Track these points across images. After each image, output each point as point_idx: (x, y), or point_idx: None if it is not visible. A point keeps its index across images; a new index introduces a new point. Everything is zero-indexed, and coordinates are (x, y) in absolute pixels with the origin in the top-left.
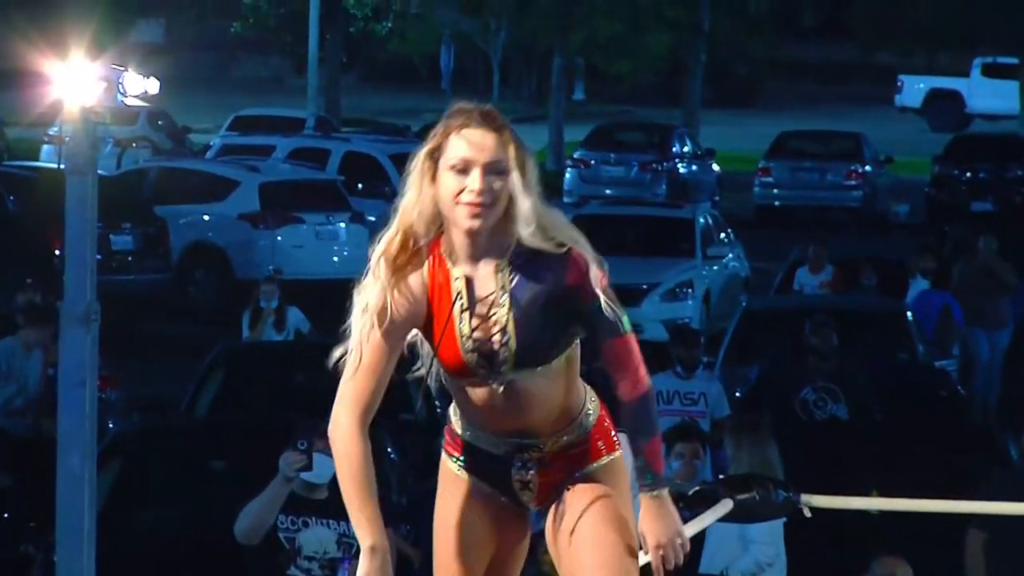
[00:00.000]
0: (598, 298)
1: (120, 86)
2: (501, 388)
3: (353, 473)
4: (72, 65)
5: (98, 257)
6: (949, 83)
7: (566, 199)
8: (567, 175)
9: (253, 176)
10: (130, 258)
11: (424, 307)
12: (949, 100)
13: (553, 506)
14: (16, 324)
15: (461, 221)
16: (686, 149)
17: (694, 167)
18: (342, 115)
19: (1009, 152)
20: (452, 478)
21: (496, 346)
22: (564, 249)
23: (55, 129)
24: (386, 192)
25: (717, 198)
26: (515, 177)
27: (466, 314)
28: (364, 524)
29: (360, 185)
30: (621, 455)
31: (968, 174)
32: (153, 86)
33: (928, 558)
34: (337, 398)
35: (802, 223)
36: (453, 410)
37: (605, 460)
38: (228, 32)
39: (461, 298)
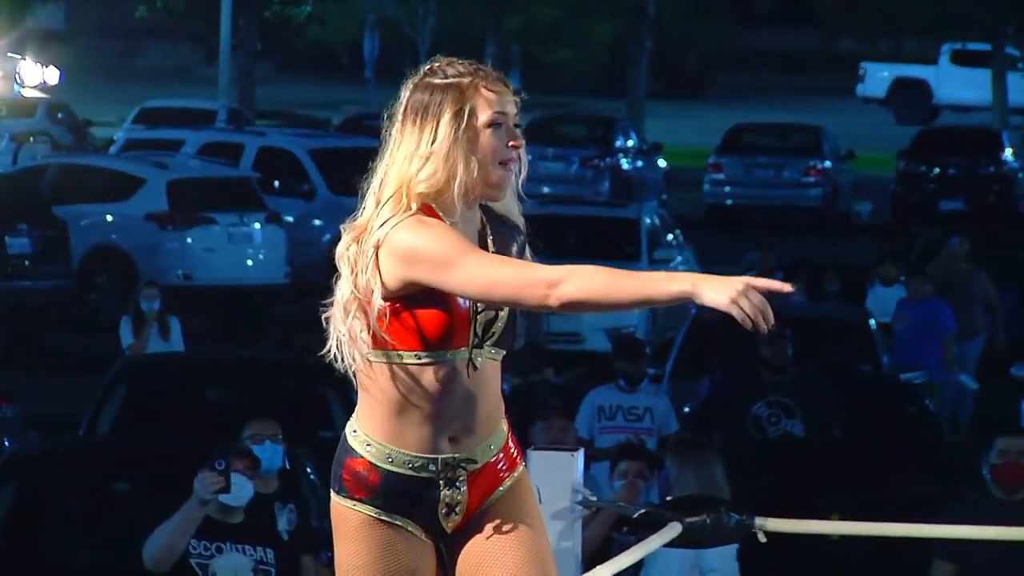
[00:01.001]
0: None
1: (17, 76)
2: (475, 367)
3: (616, 279)
4: None
5: None
6: (915, 71)
7: None
8: None
9: (160, 173)
10: (27, 262)
11: None
12: (915, 90)
13: (473, 530)
14: None
15: (500, 181)
16: (630, 143)
17: (639, 163)
18: (257, 107)
19: (981, 146)
20: (362, 528)
21: (495, 311)
22: (515, 225)
23: None
24: (305, 190)
25: (664, 197)
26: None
27: None
28: (662, 281)
29: (276, 183)
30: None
31: (936, 170)
32: (52, 76)
33: None
34: (525, 281)
35: (756, 224)
36: (363, 439)
37: (520, 469)
38: (133, 17)
39: None
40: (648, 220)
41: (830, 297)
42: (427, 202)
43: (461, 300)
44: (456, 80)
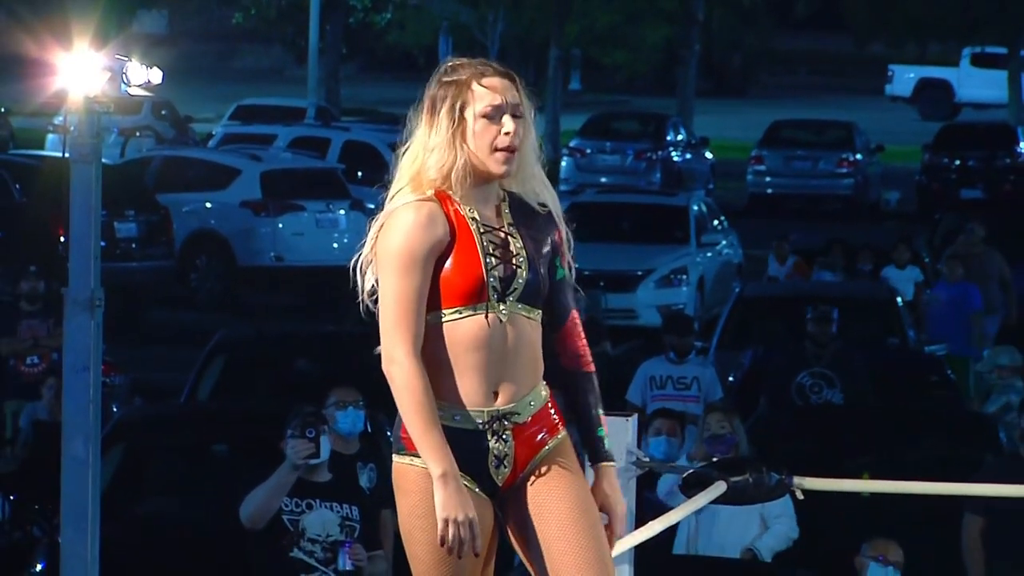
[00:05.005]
0: (568, 267)
1: (123, 76)
2: (503, 319)
3: (416, 403)
4: (76, 55)
5: (102, 244)
6: (939, 73)
7: (562, 187)
8: (563, 164)
9: (255, 164)
10: (133, 245)
11: (448, 238)
12: (939, 89)
13: (522, 487)
14: (20, 311)
15: (495, 167)
16: (680, 138)
17: (688, 156)
18: (342, 105)
19: (998, 140)
20: (420, 481)
21: (514, 268)
22: (546, 210)
23: (60, 118)
24: (386, 180)
25: (711, 186)
26: (529, 124)
27: (485, 236)
28: (431, 451)
29: (359, 173)
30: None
31: (958, 162)
32: (156, 76)
33: (920, 541)
34: (388, 337)
35: (794, 211)
36: None
37: (562, 433)
38: (230, 23)
39: (477, 223)
40: (696, 207)
41: (862, 275)
42: (438, 187)
43: (481, 256)
44: (456, 78)
